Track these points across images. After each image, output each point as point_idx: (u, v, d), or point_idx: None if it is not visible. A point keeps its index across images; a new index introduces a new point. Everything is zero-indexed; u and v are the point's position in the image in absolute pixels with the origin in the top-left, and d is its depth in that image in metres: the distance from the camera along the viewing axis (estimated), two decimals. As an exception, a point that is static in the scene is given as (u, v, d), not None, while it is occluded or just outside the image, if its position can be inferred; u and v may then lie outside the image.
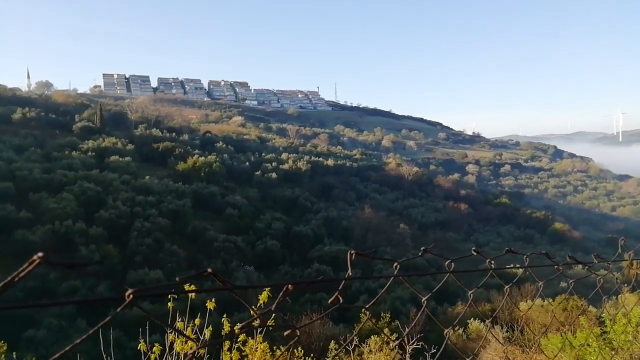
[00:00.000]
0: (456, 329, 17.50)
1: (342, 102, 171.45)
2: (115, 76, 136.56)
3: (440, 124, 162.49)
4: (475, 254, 1.25)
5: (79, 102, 68.12)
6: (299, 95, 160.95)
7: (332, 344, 9.50)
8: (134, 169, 42.51)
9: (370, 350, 10.06)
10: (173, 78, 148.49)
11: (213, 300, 4.04)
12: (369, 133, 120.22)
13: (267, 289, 3.53)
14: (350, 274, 1.03)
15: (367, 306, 1.47)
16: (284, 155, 63.19)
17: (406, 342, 7.40)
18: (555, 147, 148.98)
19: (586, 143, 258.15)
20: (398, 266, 1.46)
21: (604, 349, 6.48)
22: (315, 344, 11.52)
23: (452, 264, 1.34)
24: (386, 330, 12.10)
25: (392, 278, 1.42)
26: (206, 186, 43.21)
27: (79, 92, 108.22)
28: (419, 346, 6.83)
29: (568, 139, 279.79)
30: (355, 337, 7.31)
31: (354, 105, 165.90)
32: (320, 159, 66.34)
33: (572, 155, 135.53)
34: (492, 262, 1.74)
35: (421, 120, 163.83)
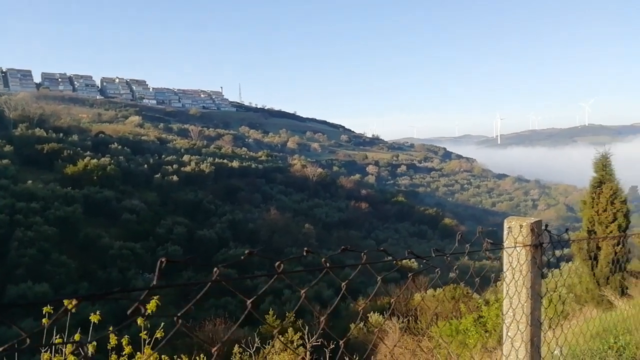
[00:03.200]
0: (357, 323, 18.31)
1: (246, 103, 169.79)
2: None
3: (343, 127, 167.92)
4: (307, 253, 1.44)
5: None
6: (202, 95, 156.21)
7: (235, 348, 9.49)
8: (13, 172, 38.31)
9: (275, 352, 10.22)
10: (60, 73, 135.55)
11: (98, 313, 3.90)
12: (275, 135, 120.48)
13: (155, 297, 3.51)
14: (155, 283, 1.11)
15: (250, 306, 1.62)
16: (185, 157, 61.02)
17: (308, 339, 7.69)
18: (445, 149, 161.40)
19: (471, 145, 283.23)
20: (282, 265, 1.62)
21: (480, 331, 7.29)
22: (219, 349, 11.42)
23: (282, 265, 1.52)
24: (290, 329, 12.33)
25: (276, 276, 1.58)
26: (99, 190, 40.28)
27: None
28: (319, 343, 7.13)
29: (456, 142, 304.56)
30: (258, 339, 7.42)
31: (259, 107, 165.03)
32: (225, 160, 65.11)
33: (459, 157, 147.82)
34: (327, 261, 1.97)
35: (325, 122, 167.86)
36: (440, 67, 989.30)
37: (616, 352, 5.22)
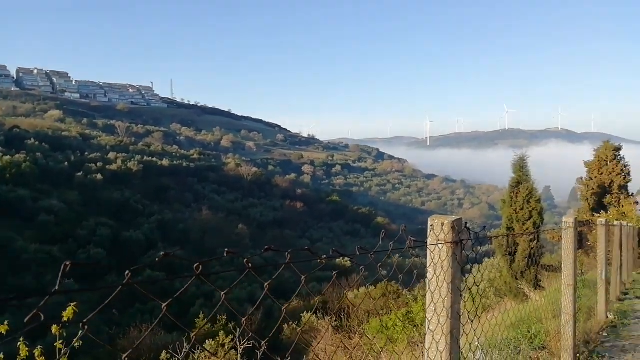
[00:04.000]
0: (290, 323, 18.29)
1: (179, 100, 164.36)
2: None
3: (279, 126, 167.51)
4: (228, 254, 1.38)
5: None
6: (130, 90, 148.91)
7: (163, 354, 9.11)
8: None
9: (207, 356, 9.94)
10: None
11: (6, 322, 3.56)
12: (208, 133, 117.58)
13: (72, 304, 3.26)
14: (57, 288, 1.01)
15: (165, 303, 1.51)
16: (111, 155, 57.90)
17: (240, 342, 7.53)
18: (378, 149, 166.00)
19: (403, 146, 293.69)
20: (200, 267, 1.53)
21: (407, 326, 7.50)
22: (146, 356, 10.90)
23: (201, 266, 1.46)
24: (221, 333, 12.07)
25: (194, 278, 1.49)
26: (13, 189, 37.13)
27: None
28: (251, 345, 7.01)
29: (388, 143, 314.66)
30: (186, 344, 7.16)
31: (191, 104, 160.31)
32: (154, 158, 62.53)
33: (391, 157, 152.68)
34: (250, 262, 1.93)
35: (260, 121, 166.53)
36: (374, 70, 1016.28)
37: (529, 340, 5.58)
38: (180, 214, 47.31)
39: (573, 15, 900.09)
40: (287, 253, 1.58)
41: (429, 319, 1.80)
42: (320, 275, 24.47)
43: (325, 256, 1.48)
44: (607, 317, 7.35)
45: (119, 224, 38.85)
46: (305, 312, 20.33)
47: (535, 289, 12.69)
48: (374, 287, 21.65)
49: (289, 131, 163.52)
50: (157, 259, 1.54)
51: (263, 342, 1.95)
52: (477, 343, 5.40)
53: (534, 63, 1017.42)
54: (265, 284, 1.66)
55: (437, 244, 1.82)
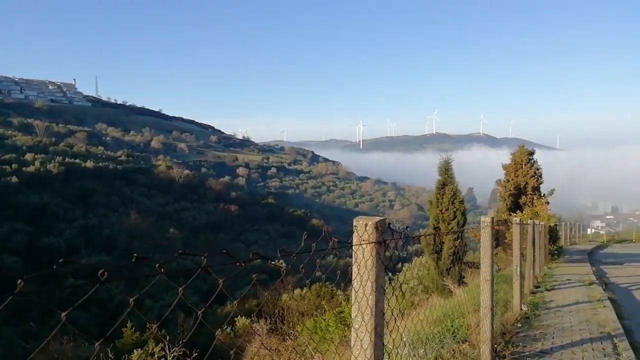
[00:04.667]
0: (224, 328, 17.98)
1: (104, 98, 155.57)
2: None
3: (212, 127, 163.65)
4: (136, 259, 1.37)
5: None
6: (50, 87, 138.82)
7: (86, 367, 8.61)
8: None
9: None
10: None
11: None
12: (137, 133, 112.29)
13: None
14: None
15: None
16: (28, 156, 53.74)
17: (169, 350, 7.31)
18: (313, 152, 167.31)
19: (337, 149, 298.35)
20: (105, 273, 1.48)
21: (340, 326, 7.65)
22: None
23: (106, 273, 1.44)
24: (151, 342, 11.60)
25: (99, 285, 1.44)
26: None
27: None
28: (181, 352, 6.82)
29: (323, 145, 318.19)
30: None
31: (119, 103, 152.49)
32: (77, 160, 58.77)
33: (326, 160, 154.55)
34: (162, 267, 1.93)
35: (193, 122, 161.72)
36: (308, 73, 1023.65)
37: (452, 333, 5.92)
38: (106, 218, 44.84)
39: (492, 29, 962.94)
40: (203, 257, 1.55)
41: (353, 317, 1.88)
42: (257, 278, 24.25)
43: (249, 258, 1.50)
44: (522, 309, 7.95)
45: (36, 230, 36.10)
46: (239, 316, 20.08)
47: (459, 285, 13.42)
48: (308, 289, 21.82)
49: (223, 133, 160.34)
50: (54, 267, 1.45)
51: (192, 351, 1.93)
52: (404, 339, 5.64)
53: (460, 71, 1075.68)
54: (180, 288, 1.60)
55: (360, 244, 1.91)
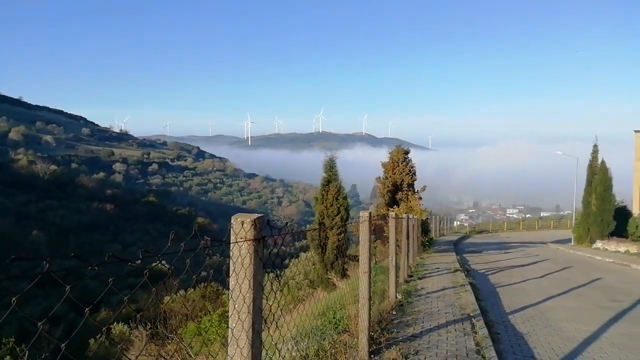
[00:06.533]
0: (98, 336, 16.59)
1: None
2: None
3: (84, 119, 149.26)
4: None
5: None
6: None
7: None
8: None
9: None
10: None
11: None
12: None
13: None
14: None
15: None
16: None
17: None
18: (198, 148, 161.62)
19: (224, 145, 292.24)
20: None
21: (222, 326, 7.49)
22: None
23: None
24: (8, 358, 10.28)
25: None
26: None
27: None
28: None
29: (209, 141, 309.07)
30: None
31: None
32: None
33: (212, 156, 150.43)
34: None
35: (61, 112, 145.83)
36: (194, 66, 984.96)
37: (334, 325, 6.14)
38: (-51, 220, 38.57)
39: (371, 33, 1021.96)
40: (44, 262, 1.37)
41: (230, 316, 1.84)
42: (133, 281, 22.74)
43: (96, 264, 1.37)
44: (397, 297, 8.54)
45: None
46: (115, 323, 18.66)
47: (343, 278, 14.01)
48: (193, 289, 21.07)
49: (97, 125, 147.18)
50: None
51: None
52: (288, 334, 5.71)
53: (346, 71, 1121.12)
54: (14, 298, 1.38)
55: (236, 242, 1.87)
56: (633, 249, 21.70)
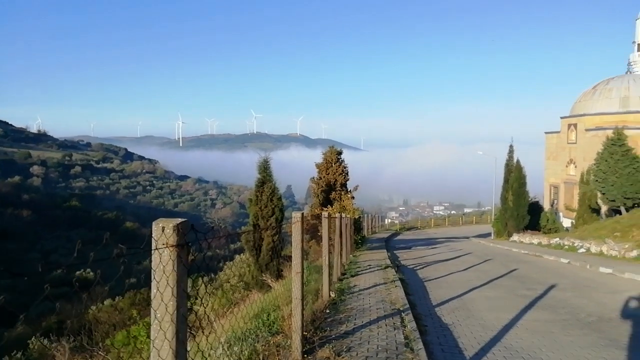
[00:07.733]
0: (14, 353, 15.34)
1: None
2: None
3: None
4: None
5: None
6: None
7: None
8: None
9: None
10: None
11: None
12: None
13: None
14: None
15: None
16: None
17: None
18: (126, 149, 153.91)
19: (154, 146, 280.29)
20: None
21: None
22: None
23: None
24: None
25: None
26: None
27: None
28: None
29: (138, 142, 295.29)
30: None
31: None
32: None
33: (141, 158, 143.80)
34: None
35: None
36: (122, 64, 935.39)
37: (268, 327, 6.14)
38: None
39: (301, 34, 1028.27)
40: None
41: (152, 326, 1.80)
42: (55, 292, 21.24)
43: (18, 273, 1.30)
44: (330, 295, 8.69)
45: None
46: (34, 338, 17.32)
47: (278, 279, 13.99)
48: (121, 298, 20.09)
49: (12, 125, 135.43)
50: None
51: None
52: (221, 339, 5.63)
53: (278, 72, 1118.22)
54: None
55: (157, 248, 1.84)
56: (544, 240, 23.60)
